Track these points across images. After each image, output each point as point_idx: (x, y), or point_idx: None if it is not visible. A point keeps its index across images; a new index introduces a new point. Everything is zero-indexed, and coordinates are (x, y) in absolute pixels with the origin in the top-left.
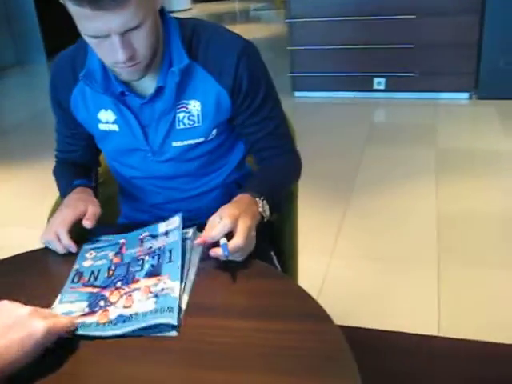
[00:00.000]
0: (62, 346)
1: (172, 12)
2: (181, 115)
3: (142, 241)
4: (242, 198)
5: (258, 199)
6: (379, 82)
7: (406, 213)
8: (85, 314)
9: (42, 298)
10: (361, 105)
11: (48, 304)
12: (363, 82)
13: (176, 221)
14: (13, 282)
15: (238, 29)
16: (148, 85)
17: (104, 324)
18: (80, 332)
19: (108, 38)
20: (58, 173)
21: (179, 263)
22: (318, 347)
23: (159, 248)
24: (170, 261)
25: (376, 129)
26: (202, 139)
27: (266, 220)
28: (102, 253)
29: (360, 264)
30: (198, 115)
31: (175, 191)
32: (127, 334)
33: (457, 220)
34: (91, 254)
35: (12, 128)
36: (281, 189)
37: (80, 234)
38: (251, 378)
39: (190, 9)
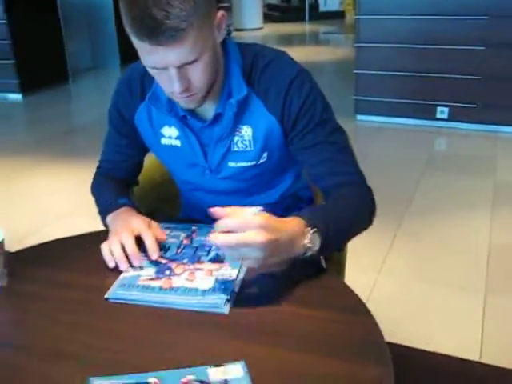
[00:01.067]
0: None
1: (244, 30)
2: (236, 138)
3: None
4: (293, 222)
5: (308, 229)
6: (442, 111)
7: (458, 241)
8: (151, 279)
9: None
10: (422, 132)
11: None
12: (426, 110)
13: None
14: (81, 253)
15: (307, 50)
16: (208, 109)
17: (166, 289)
18: (142, 294)
19: (166, 70)
20: (98, 187)
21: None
22: (353, 335)
23: None
24: None
25: (436, 157)
26: (253, 162)
27: (311, 254)
28: (175, 233)
29: (407, 283)
30: (249, 140)
31: (232, 204)
32: (183, 305)
33: (508, 252)
34: (165, 231)
35: (80, 128)
36: (348, 225)
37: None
38: (289, 356)
39: (261, 28)
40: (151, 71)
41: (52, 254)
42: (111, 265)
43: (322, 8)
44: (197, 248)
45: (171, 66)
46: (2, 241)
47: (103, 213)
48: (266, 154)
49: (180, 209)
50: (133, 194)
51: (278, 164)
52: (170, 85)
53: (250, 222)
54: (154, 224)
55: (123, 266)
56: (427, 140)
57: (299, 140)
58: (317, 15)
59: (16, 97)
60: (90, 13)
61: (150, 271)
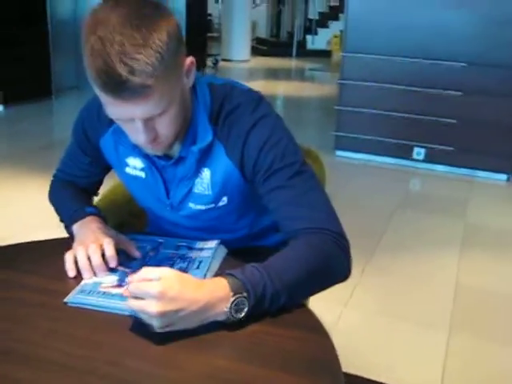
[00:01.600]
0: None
1: (231, 61)
2: (197, 180)
3: (178, 247)
4: (213, 286)
5: (231, 295)
6: (419, 152)
7: (426, 278)
8: (113, 286)
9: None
10: (399, 171)
11: (81, 278)
12: (404, 150)
13: (213, 243)
14: (46, 258)
15: (292, 85)
16: (173, 149)
17: (127, 297)
18: (103, 300)
19: (131, 121)
20: (59, 194)
21: (204, 272)
22: (307, 351)
23: (191, 257)
24: (197, 268)
25: (410, 196)
26: (212, 205)
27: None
28: (141, 244)
29: (372, 318)
30: (207, 184)
31: (195, 238)
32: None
33: (474, 293)
34: (133, 244)
35: (58, 143)
36: (301, 280)
37: None
38: (239, 368)
39: (248, 60)
40: (116, 120)
41: (14, 257)
42: (71, 274)
43: (309, 46)
44: (161, 260)
45: (137, 119)
46: None
47: (68, 220)
48: (225, 198)
49: (148, 224)
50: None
51: (240, 206)
52: (135, 136)
53: (148, 290)
54: (123, 237)
55: (87, 275)
56: (403, 179)
57: (259, 186)
58: (304, 52)
59: None
60: (78, 33)
61: (112, 279)
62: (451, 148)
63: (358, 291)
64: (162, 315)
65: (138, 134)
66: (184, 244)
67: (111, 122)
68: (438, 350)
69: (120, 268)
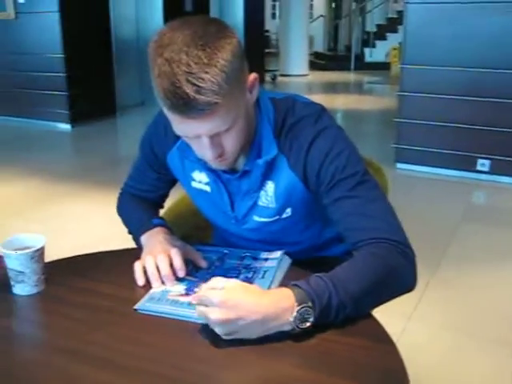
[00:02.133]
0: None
1: (289, 76)
2: (262, 193)
3: (243, 257)
4: (277, 296)
5: (295, 304)
6: (483, 164)
7: (492, 292)
8: (181, 295)
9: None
10: (462, 184)
11: (150, 286)
12: (467, 162)
13: (278, 253)
14: (118, 267)
15: (351, 98)
16: (237, 164)
17: (195, 305)
18: (171, 307)
19: (198, 138)
20: (127, 207)
21: (270, 281)
22: (379, 361)
23: (256, 267)
24: (262, 277)
25: (474, 208)
26: (276, 217)
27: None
28: (207, 255)
29: (437, 332)
30: (271, 196)
31: (258, 249)
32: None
33: None
34: (200, 254)
35: (124, 159)
36: (367, 290)
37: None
38: (319, 378)
39: (306, 75)
40: (183, 137)
41: (87, 266)
42: (140, 283)
43: (367, 59)
44: (227, 270)
45: (203, 135)
46: (42, 248)
47: (136, 232)
48: (289, 210)
49: (213, 236)
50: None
51: (305, 217)
52: (202, 151)
53: (211, 298)
54: (190, 248)
55: (155, 283)
56: (466, 191)
57: (323, 197)
58: (362, 65)
59: (65, 127)
60: (141, 52)
61: (180, 288)
62: None
63: (422, 304)
64: (223, 322)
65: (204, 150)
66: (249, 254)
67: (177, 137)
68: (504, 367)
69: (187, 277)
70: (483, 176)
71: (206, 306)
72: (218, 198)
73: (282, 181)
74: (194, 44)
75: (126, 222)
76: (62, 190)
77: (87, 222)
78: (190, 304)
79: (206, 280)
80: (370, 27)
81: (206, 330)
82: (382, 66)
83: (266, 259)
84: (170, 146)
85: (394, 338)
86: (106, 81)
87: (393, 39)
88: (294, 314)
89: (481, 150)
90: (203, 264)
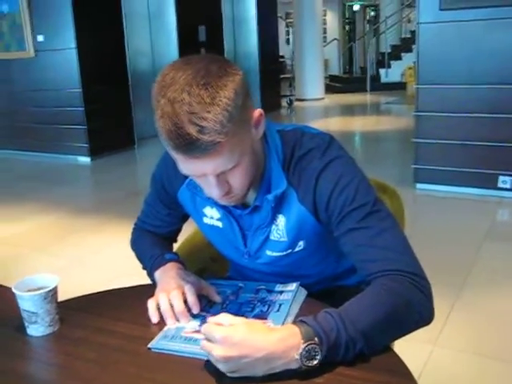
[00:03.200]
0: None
1: (305, 100)
2: (273, 227)
3: (258, 291)
4: (282, 333)
5: (301, 342)
6: (504, 181)
7: None
8: (195, 331)
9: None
10: (483, 202)
11: (164, 323)
12: (488, 180)
13: (293, 285)
14: (132, 304)
15: (368, 120)
16: (248, 198)
17: None
18: (185, 345)
19: (204, 176)
20: (140, 242)
21: (285, 314)
22: None
23: (271, 300)
24: (277, 311)
25: (497, 227)
26: (289, 251)
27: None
28: (221, 289)
29: (463, 357)
30: (282, 230)
31: (271, 281)
32: None
33: None
34: (215, 289)
35: (143, 191)
36: (379, 326)
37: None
38: None
39: (322, 98)
40: (189, 176)
41: (102, 303)
42: (154, 320)
43: (383, 79)
44: (242, 304)
45: (209, 174)
46: (55, 288)
47: (150, 268)
48: (301, 243)
49: (229, 269)
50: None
51: (319, 249)
52: (208, 190)
53: (214, 333)
54: (204, 283)
55: (170, 321)
56: (489, 210)
57: (334, 230)
58: (378, 86)
59: (85, 160)
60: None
61: (194, 324)
62: None
63: (447, 329)
64: (225, 360)
65: (211, 189)
66: (263, 287)
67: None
68: None
69: (201, 313)
70: (505, 193)
71: (210, 341)
72: (231, 233)
73: (292, 214)
74: (195, 83)
75: (140, 258)
76: (83, 224)
77: (108, 256)
78: None
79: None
80: (385, 48)
81: (214, 366)
82: (399, 86)
83: (281, 292)
84: (180, 183)
85: (421, 365)
86: (124, 113)
87: (408, 59)
88: (300, 351)
89: (501, 166)
90: (217, 299)
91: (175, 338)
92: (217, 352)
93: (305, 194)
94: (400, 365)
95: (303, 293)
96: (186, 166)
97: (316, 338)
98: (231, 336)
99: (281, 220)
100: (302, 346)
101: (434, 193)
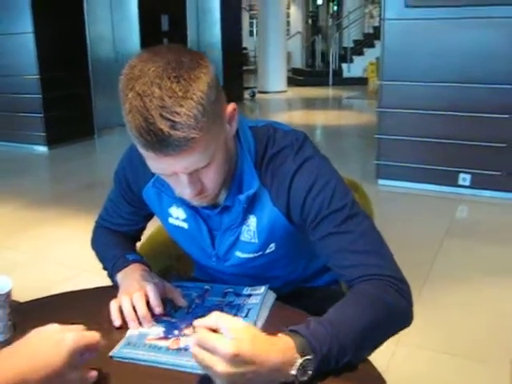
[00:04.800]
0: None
1: (268, 93)
2: (244, 228)
3: (225, 294)
4: (280, 347)
5: (297, 357)
6: (464, 178)
7: (481, 310)
8: (159, 338)
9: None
10: (444, 199)
11: (126, 327)
12: (448, 177)
13: (261, 288)
14: (95, 309)
15: (330, 114)
16: (218, 197)
17: (173, 350)
18: (148, 353)
19: (175, 175)
20: (101, 242)
21: (254, 320)
22: None
23: (239, 304)
24: (246, 316)
25: (457, 224)
26: (260, 253)
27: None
28: (187, 292)
29: (426, 356)
30: (254, 231)
31: (240, 283)
32: (190, 368)
33: None
34: (179, 292)
35: (102, 182)
36: (365, 333)
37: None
38: None
39: (285, 91)
40: (159, 175)
41: (60, 307)
42: (117, 323)
43: (345, 74)
44: (209, 308)
45: (181, 173)
46: (8, 292)
47: (111, 269)
48: (273, 245)
49: (194, 268)
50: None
51: (290, 252)
52: (180, 189)
53: (219, 347)
54: (169, 285)
55: (132, 325)
56: (449, 207)
57: (309, 233)
58: (340, 81)
59: (42, 149)
60: (119, 72)
61: (159, 330)
62: (499, 172)
63: (409, 328)
64: (229, 376)
65: (183, 188)
66: (231, 290)
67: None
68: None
69: (165, 318)
70: (465, 190)
71: (208, 352)
72: (198, 234)
73: (264, 216)
74: (167, 76)
75: (101, 258)
76: (40, 216)
77: (67, 250)
78: (168, 349)
79: (185, 321)
80: (347, 43)
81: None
82: (360, 81)
83: (250, 295)
84: (146, 181)
85: (383, 366)
86: (84, 102)
87: (370, 54)
88: (298, 366)
89: (462, 164)
90: (182, 303)
91: (138, 346)
92: (221, 368)
93: (278, 194)
94: (377, 376)
95: (272, 296)
96: (157, 164)
97: (311, 353)
98: (241, 353)
99: (252, 220)
100: (299, 361)
101: (396, 189)
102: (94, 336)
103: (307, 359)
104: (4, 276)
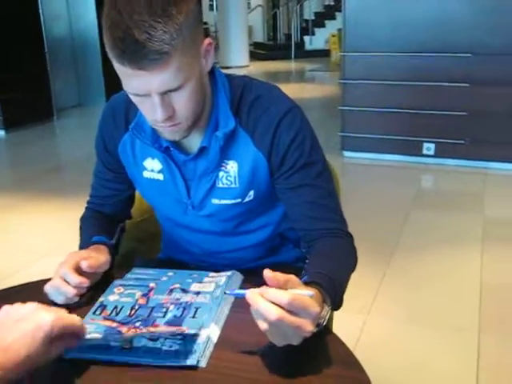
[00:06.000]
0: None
1: (230, 68)
2: (221, 174)
3: (171, 290)
4: (317, 300)
5: (326, 306)
6: (428, 148)
7: (448, 278)
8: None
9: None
10: (409, 169)
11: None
12: (412, 147)
13: (211, 286)
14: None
15: (293, 87)
16: (193, 142)
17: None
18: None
19: (149, 97)
20: (83, 223)
21: (201, 323)
22: None
23: (186, 302)
24: (193, 316)
25: (423, 193)
26: (238, 200)
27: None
28: (130, 291)
29: (396, 325)
30: (234, 176)
31: (213, 245)
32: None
33: (500, 291)
34: (119, 289)
35: (65, 165)
36: (345, 283)
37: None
38: None
39: (247, 66)
40: (133, 98)
41: (26, 297)
42: (59, 300)
43: (307, 47)
44: (152, 309)
45: (154, 92)
46: None
47: (80, 249)
48: (252, 193)
49: (159, 250)
50: (124, 228)
51: (265, 203)
52: (152, 112)
53: (311, 310)
54: (103, 259)
55: (70, 293)
56: (414, 177)
57: (284, 180)
58: (302, 53)
59: None
60: (76, 50)
61: (97, 336)
62: (462, 141)
63: (379, 298)
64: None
65: (155, 111)
66: (177, 286)
67: (127, 123)
68: (469, 353)
69: (105, 323)
70: (430, 160)
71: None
72: (172, 185)
73: (246, 159)
74: None
75: (79, 243)
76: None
77: (29, 236)
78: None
79: (128, 323)
80: (309, 15)
81: None
82: (323, 54)
83: (198, 293)
84: (121, 135)
85: (356, 335)
86: (40, 82)
87: (331, 26)
88: (325, 316)
89: (425, 134)
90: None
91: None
92: (310, 328)
93: (262, 138)
94: (348, 355)
95: (239, 278)
96: (131, 82)
97: (328, 305)
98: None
99: (232, 166)
100: (327, 309)
101: (361, 160)
102: (74, 319)
103: (329, 307)
104: None
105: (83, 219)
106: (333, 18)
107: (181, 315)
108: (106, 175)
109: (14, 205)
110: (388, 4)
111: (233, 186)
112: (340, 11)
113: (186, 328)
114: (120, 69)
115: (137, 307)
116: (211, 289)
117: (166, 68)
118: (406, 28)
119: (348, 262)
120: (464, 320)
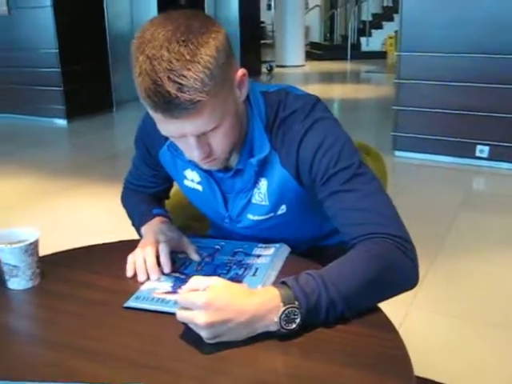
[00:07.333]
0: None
1: (286, 67)
2: (255, 190)
3: (235, 253)
4: (262, 296)
5: (281, 305)
6: (482, 150)
7: (493, 280)
8: (167, 292)
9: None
10: (460, 171)
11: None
12: (465, 149)
13: (271, 250)
14: (114, 259)
15: (348, 88)
16: (230, 161)
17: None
18: (156, 307)
19: (185, 137)
20: (130, 199)
21: (262, 279)
22: (380, 350)
23: (248, 263)
24: (253, 275)
25: (473, 196)
26: (271, 215)
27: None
28: (199, 250)
29: (437, 319)
30: (264, 194)
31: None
32: None
33: None
34: (194, 248)
35: (121, 154)
36: (361, 288)
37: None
38: (317, 366)
39: (303, 65)
40: (169, 137)
41: (83, 259)
42: (129, 274)
43: (364, 48)
44: (217, 266)
45: (189, 135)
46: (36, 241)
47: (138, 224)
48: (284, 206)
49: (210, 226)
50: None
51: (301, 213)
52: (190, 151)
53: (195, 300)
54: (185, 240)
55: (141, 277)
56: (466, 179)
57: (318, 192)
58: (359, 55)
59: (62, 122)
60: None
61: (166, 285)
62: None
63: (421, 292)
64: (210, 326)
65: (191, 151)
66: (241, 250)
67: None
68: (505, 351)
69: (175, 274)
70: (482, 162)
71: (188, 309)
72: (211, 197)
73: (274, 178)
74: (175, 39)
75: (130, 215)
76: (60, 186)
77: (83, 218)
78: (175, 302)
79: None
80: (366, 16)
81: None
82: (379, 55)
83: (259, 256)
84: (161, 145)
85: (397, 323)
86: (102, 75)
87: (389, 28)
88: (279, 314)
89: (479, 136)
90: (196, 257)
91: (146, 300)
92: (200, 319)
93: (287, 157)
94: (382, 317)
95: (287, 250)
96: (166, 126)
97: (296, 302)
98: (214, 301)
99: (263, 183)
100: (282, 309)
101: (413, 161)
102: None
103: (291, 307)
104: (31, 227)
105: (128, 196)
106: (391, 19)
107: (242, 273)
108: (145, 170)
109: (75, 186)
110: (444, 4)
111: (263, 203)
112: (398, 13)
113: (246, 284)
114: (153, 114)
115: (203, 264)
116: (271, 252)
117: (200, 114)
118: (461, 29)
119: (373, 259)
120: (505, 319)
